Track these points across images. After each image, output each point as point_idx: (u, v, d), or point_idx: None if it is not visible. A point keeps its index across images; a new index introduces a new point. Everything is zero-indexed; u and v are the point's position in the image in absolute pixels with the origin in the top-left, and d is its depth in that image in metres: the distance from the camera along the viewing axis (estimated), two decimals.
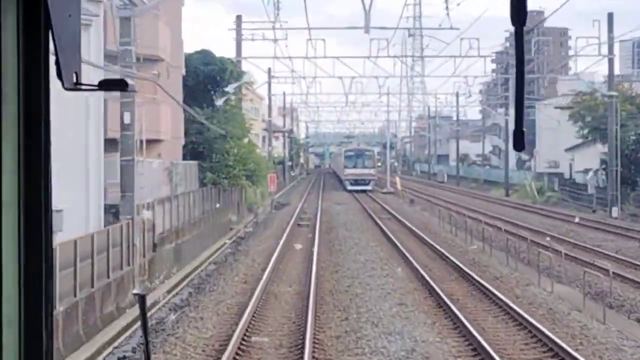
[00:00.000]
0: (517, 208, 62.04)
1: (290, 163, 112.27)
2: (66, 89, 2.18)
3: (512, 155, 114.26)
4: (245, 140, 52.60)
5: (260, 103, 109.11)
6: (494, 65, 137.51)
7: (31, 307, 2.08)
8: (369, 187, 79.83)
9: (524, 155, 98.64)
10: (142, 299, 3.11)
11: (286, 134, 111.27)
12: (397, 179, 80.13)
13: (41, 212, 2.10)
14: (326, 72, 58.95)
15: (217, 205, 42.90)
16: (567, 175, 75.87)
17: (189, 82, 44.40)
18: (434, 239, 38.70)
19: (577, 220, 48.46)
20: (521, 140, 2.33)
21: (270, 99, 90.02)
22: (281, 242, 36.73)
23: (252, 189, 60.26)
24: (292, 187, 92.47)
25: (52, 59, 2.13)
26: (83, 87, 2.22)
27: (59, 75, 2.15)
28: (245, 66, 60.95)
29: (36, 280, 2.09)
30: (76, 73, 2.20)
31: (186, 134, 43.57)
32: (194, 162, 42.53)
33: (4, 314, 2.06)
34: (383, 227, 44.38)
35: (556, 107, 79.36)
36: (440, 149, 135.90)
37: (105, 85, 2.34)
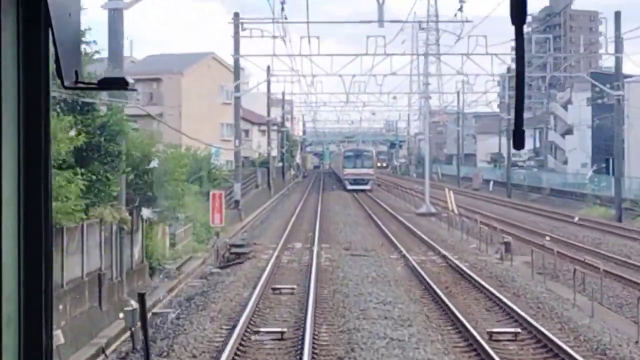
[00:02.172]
0: None
1: (281, 164, 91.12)
2: (66, 87, 2.17)
3: (576, 153, 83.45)
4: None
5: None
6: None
7: (30, 306, 2.05)
8: (367, 187, 79.98)
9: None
10: (141, 298, 3.03)
11: (271, 125, 79.58)
12: (450, 195, 45.76)
13: (41, 212, 2.08)
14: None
15: None
16: None
17: None
18: None
19: None
20: (521, 138, 2.27)
21: (237, 63, 55.72)
22: None
23: (160, 226, 27.22)
24: (278, 200, 67.02)
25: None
26: (83, 85, 2.21)
27: (59, 73, 2.12)
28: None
29: (35, 280, 2.07)
30: (76, 71, 2.19)
31: None
32: None
33: (4, 313, 2.03)
34: None
35: None
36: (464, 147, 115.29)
37: (106, 84, 2.29)
